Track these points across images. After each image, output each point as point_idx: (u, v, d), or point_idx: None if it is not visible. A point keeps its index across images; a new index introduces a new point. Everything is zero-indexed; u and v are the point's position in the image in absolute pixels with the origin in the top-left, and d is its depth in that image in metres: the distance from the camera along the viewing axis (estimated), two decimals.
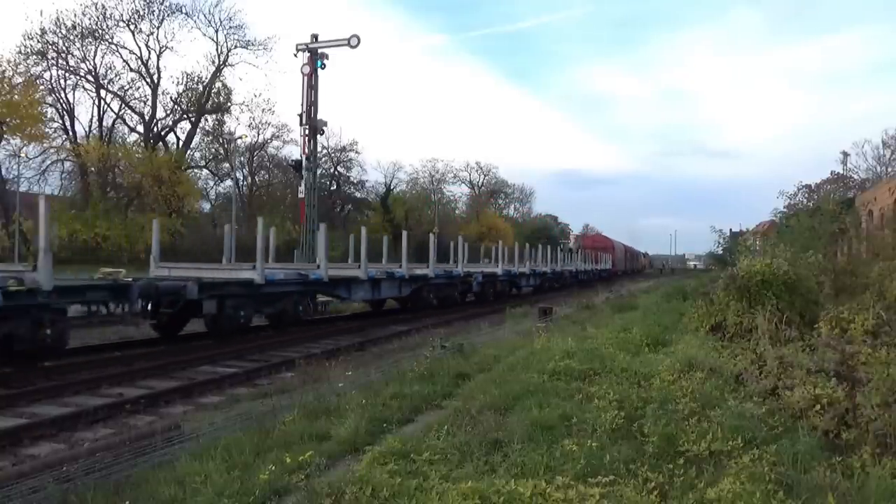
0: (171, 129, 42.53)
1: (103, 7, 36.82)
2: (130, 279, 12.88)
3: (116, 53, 38.57)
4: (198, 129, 43.01)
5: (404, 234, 23.29)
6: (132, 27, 38.44)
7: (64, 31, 35.88)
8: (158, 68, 39.83)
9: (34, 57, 35.23)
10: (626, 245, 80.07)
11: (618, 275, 60.41)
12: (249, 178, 50.95)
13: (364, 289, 19.04)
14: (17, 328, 10.28)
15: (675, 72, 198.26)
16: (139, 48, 39.06)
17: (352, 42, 25.51)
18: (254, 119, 45.94)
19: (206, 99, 41.52)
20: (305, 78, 25.56)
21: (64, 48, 36.32)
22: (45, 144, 35.43)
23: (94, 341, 13.93)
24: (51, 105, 36.30)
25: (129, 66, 39.12)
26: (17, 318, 10.29)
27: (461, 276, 24.81)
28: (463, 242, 26.68)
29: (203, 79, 41.18)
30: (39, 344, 10.68)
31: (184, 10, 39.92)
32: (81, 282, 12.45)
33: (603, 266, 54.74)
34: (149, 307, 13.11)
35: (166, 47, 39.68)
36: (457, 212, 70.16)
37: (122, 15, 37.77)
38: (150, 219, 34.90)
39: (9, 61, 32.28)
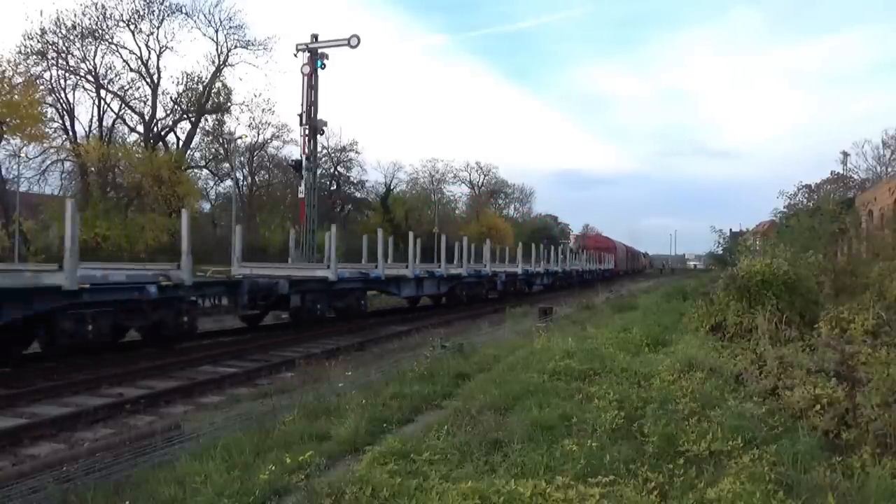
0: (171, 129, 42.51)
1: (103, 7, 36.79)
2: (241, 277, 15.49)
3: (116, 53, 38.54)
4: (198, 129, 42.98)
5: (442, 238, 25.33)
6: (132, 27, 38.41)
7: (64, 31, 35.86)
8: (158, 68, 39.82)
9: (34, 57, 35.21)
10: (627, 245, 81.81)
11: (619, 274, 62.44)
12: (249, 178, 50.95)
13: (410, 286, 21.55)
14: (166, 316, 12.65)
15: (675, 72, 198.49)
16: (139, 48, 39.04)
17: (352, 42, 25.50)
18: (254, 119, 45.93)
19: (206, 99, 41.49)
20: (305, 78, 25.54)
21: (64, 48, 36.31)
22: (45, 144, 35.41)
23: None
24: (51, 105, 36.27)
25: (129, 66, 39.10)
26: (166, 308, 12.63)
27: (489, 275, 27.59)
28: (490, 245, 29.85)
29: (203, 79, 41.17)
30: (179, 329, 13.02)
31: (184, 10, 39.83)
32: (209, 279, 15.04)
33: (606, 266, 57.11)
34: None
35: (166, 47, 39.65)
36: (457, 212, 70.15)
37: (122, 15, 37.74)
38: (150, 219, 35.01)
39: (9, 61, 32.25)
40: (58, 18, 35.56)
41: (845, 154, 52.42)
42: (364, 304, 19.59)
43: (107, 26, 37.38)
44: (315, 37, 25.92)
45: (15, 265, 15.22)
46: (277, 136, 48.26)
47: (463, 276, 25.01)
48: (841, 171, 51.13)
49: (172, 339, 13.25)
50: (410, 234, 22.62)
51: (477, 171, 76.68)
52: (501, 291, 28.73)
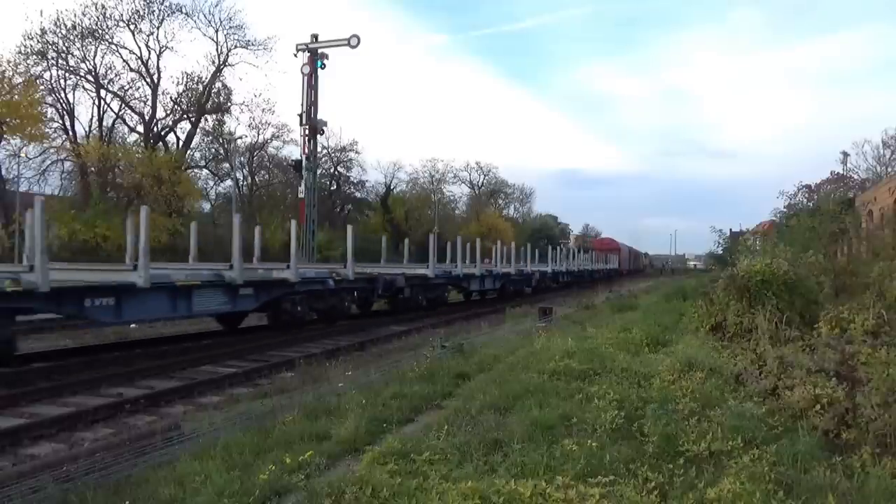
0: (171, 129, 42.46)
1: (103, 7, 36.75)
2: (377, 274, 19.05)
3: (116, 53, 38.49)
4: (198, 129, 42.92)
5: (498, 242, 29.80)
6: (132, 27, 38.36)
7: (64, 31, 35.82)
8: (158, 68, 39.78)
9: (34, 57, 35.17)
10: (630, 247, 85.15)
11: (623, 273, 66.48)
12: (249, 178, 50.91)
13: (476, 282, 26.34)
14: (337, 302, 17.54)
15: (675, 71, 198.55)
16: (139, 48, 38.99)
17: (352, 42, 25.51)
18: (254, 119, 45.85)
19: (206, 99, 41.46)
20: (305, 78, 25.55)
21: (64, 48, 36.27)
22: (45, 144, 35.36)
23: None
24: (51, 105, 36.22)
25: (129, 66, 39.06)
26: (336, 296, 17.37)
27: (530, 273, 32.64)
28: (526, 246, 34.91)
29: (203, 79, 41.13)
30: (342, 312, 17.96)
31: (184, 10, 39.75)
32: (362, 274, 18.47)
33: (612, 266, 61.35)
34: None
35: (166, 47, 39.60)
36: (457, 212, 70.15)
37: (122, 15, 37.70)
38: (150, 219, 34.85)
39: (9, 61, 32.21)
40: (58, 18, 35.54)
41: (845, 154, 52.40)
42: (446, 296, 24.44)
43: (107, 26, 37.36)
44: (315, 37, 25.93)
45: (253, 264, 18.29)
46: (277, 136, 48.21)
47: (512, 274, 29.93)
48: (841, 171, 51.10)
49: (337, 319, 17.72)
50: (458, 238, 26.53)
51: (477, 171, 76.71)
52: (535, 287, 33.76)
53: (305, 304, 16.17)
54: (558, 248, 43.36)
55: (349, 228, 19.63)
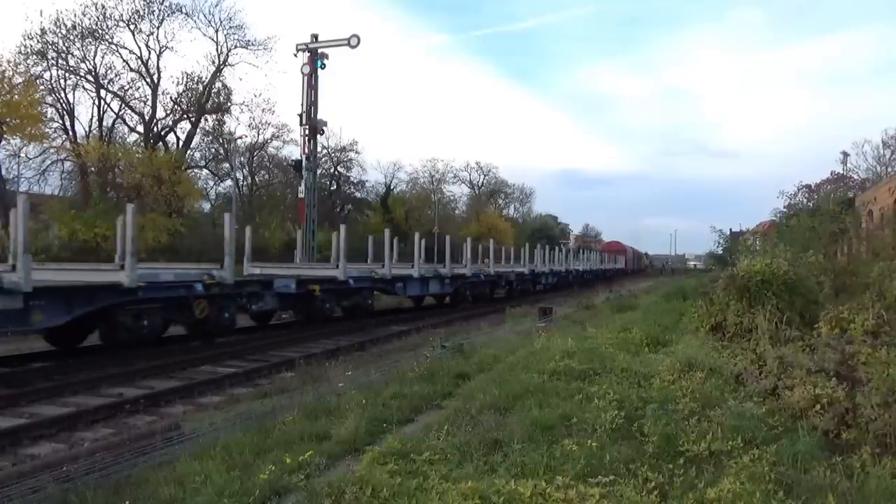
0: (171, 129, 42.41)
1: (103, 7, 36.69)
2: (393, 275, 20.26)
3: (116, 53, 38.43)
4: (198, 129, 42.87)
5: (526, 245, 33.13)
6: (132, 27, 38.31)
7: (64, 31, 35.78)
8: (158, 68, 39.72)
9: (34, 57, 35.13)
10: (634, 248, 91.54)
11: (628, 273, 72.81)
12: (249, 178, 50.87)
13: (525, 280, 30.98)
14: (360, 300, 19.32)
15: (676, 71, 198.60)
16: (139, 48, 38.94)
17: (352, 42, 25.50)
18: (254, 119, 45.82)
19: (206, 99, 41.43)
20: (305, 78, 25.54)
21: (64, 48, 36.22)
22: (45, 144, 35.32)
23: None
24: (51, 105, 36.16)
25: (129, 66, 39.01)
26: (359, 294, 19.27)
27: (546, 273, 36.06)
28: (545, 247, 37.81)
29: (203, 79, 41.08)
30: (365, 309, 19.70)
31: (184, 10, 39.67)
32: (393, 274, 20.11)
33: (619, 266, 68.06)
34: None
35: (166, 47, 39.54)
36: (457, 212, 70.13)
37: (122, 15, 37.64)
38: (149, 219, 34.93)
39: (9, 61, 32.17)
40: (58, 18, 35.50)
41: (845, 154, 52.34)
42: (370, 304, 21.08)
43: (107, 26, 37.32)
44: (315, 37, 25.92)
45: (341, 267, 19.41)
46: (277, 136, 48.18)
47: (525, 273, 31.85)
48: (841, 171, 51.05)
49: (359, 316, 18.97)
50: (492, 243, 29.58)
51: (477, 171, 76.68)
52: (551, 286, 36.86)
53: (329, 301, 17.55)
54: (579, 248, 49.71)
55: (341, 228, 19.26)
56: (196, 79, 40.95)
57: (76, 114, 38.03)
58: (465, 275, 25.13)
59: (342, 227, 19.40)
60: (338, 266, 18.49)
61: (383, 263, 20.51)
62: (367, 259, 24.90)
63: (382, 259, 21.05)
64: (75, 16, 35.95)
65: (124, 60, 38.71)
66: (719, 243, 32.55)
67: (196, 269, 14.66)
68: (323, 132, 28.06)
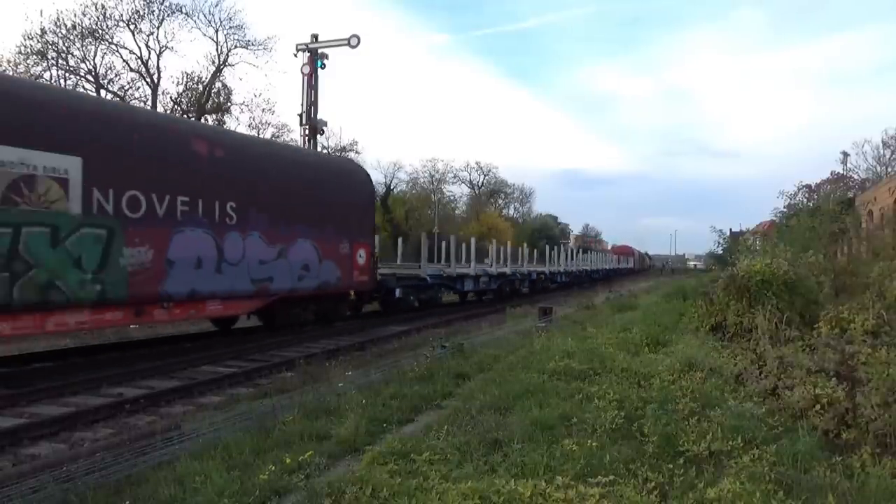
0: None
1: (103, 7, 36.69)
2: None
3: (116, 53, 38.44)
4: None
5: (562, 245, 38.11)
6: (132, 27, 38.28)
7: (64, 31, 35.73)
8: (158, 68, 39.71)
9: (34, 57, 35.09)
10: (639, 250, 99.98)
11: (636, 272, 79.57)
12: None
13: (545, 279, 35.17)
14: (435, 293, 22.96)
15: (678, 71, 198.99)
16: (139, 48, 38.91)
17: (352, 42, 25.46)
18: (254, 119, 45.79)
19: (206, 99, 41.43)
20: (305, 78, 25.50)
21: (64, 48, 36.19)
22: None
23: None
24: None
25: (129, 66, 38.98)
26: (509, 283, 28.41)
27: (557, 272, 38.36)
28: (560, 249, 41.14)
29: (203, 79, 41.08)
30: (439, 301, 23.75)
31: (184, 10, 39.67)
32: (456, 273, 23.86)
33: (628, 266, 75.02)
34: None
35: (166, 47, 39.52)
36: (457, 212, 70.15)
37: (122, 15, 37.62)
38: None
39: (9, 61, 32.23)
40: (58, 18, 35.45)
41: (845, 154, 52.43)
42: (509, 290, 29.47)
43: (107, 26, 37.29)
44: (315, 37, 25.89)
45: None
46: (277, 136, 48.20)
47: (546, 273, 35.64)
48: (841, 171, 51.11)
49: (432, 306, 22.64)
50: (521, 244, 33.38)
51: (477, 171, 76.80)
52: (564, 284, 39.23)
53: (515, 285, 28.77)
54: (579, 250, 54.68)
55: (423, 235, 21.77)
56: (196, 79, 40.96)
57: None
58: (506, 273, 29.03)
59: (423, 235, 23.85)
60: (420, 266, 22.72)
61: (420, 264, 23.53)
62: (396, 259, 27.89)
63: (418, 259, 24.01)
64: (75, 16, 35.93)
65: (124, 60, 38.71)
66: (719, 243, 32.60)
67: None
68: (323, 132, 27.99)
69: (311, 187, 15.16)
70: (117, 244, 10.44)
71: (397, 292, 19.86)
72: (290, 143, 28.22)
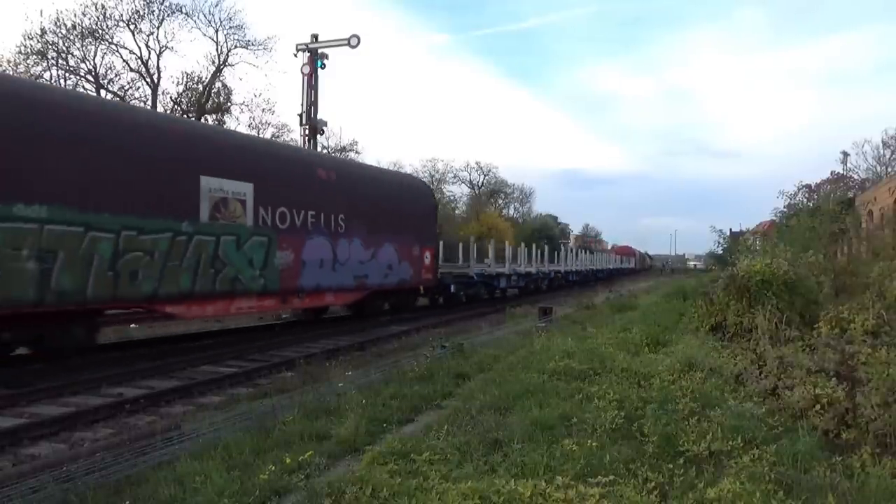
0: None
1: (103, 7, 36.67)
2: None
3: (116, 53, 38.44)
4: None
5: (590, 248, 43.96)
6: (132, 27, 38.27)
7: (64, 31, 35.71)
8: (158, 68, 39.70)
9: (34, 57, 35.07)
10: (640, 251, 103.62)
11: (637, 271, 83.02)
12: None
13: (559, 277, 38.43)
14: (479, 289, 25.95)
15: (679, 71, 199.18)
16: (139, 48, 38.89)
17: (352, 42, 25.46)
18: (254, 119, 45.80)
19: (207, 99, 41.42)
20: (305, 78, 25.49)
21: (64, 48, 36.17)
22: None
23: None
24: None
25: (129, 66, 38.97)
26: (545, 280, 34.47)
27: (570, 271, 42.34)
28: (570, 250, 47.55)
29: (203, 79, 41.08)
30: (482, 297, 26.56)
31: (184, 10, 39.66)
32: (495, 272, 27.51)
33: (629, 266, 78.15)
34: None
35: (166, 47, 39.51)
36: (457, 212, 70.11)
37: (122, 15, 37.60)
38: None
39: (9, 61, 32.23)
40: (58, 18, 35.44)
41: (845, 154, 52.44)
42: (533, 287, 32.88)
43: (107, 26, 37.28)
44: (315, 37, 25.89)
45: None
46: (277, 136, 48.22)
47: (566, 270, 40.29)
48: (841, 171, 51.11)
49: (477, 301, 25.61)
50: (534, 243, 35.25)
51: (477, 170, 76.72)
52: (578, 282, 42.78)
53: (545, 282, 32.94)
54: (584, 250, 57.86)
55: (471, 239, 22.73)
56: (196, 79, 40.96)
57: None
58: (531, 272, 32.67)
59: (472, 238, 27.89)
60: (469, 265, 25.98)
61: (469, 264, 26.85)
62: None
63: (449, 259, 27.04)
64: (75, 16, 35.92)
65: (124, 60, 38.70)
66: (719, 243, 32.61)
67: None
68: (323, 132, 28.00)
69: (392, 201, 18.76)
70: (273, 248, 13.84)
71: (452, 288, 23.40)
72: (382, 167, 29.88)
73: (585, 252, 53.83)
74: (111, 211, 10.50)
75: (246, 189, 13.06)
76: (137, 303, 11.69)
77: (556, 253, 42.52)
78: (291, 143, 40.11)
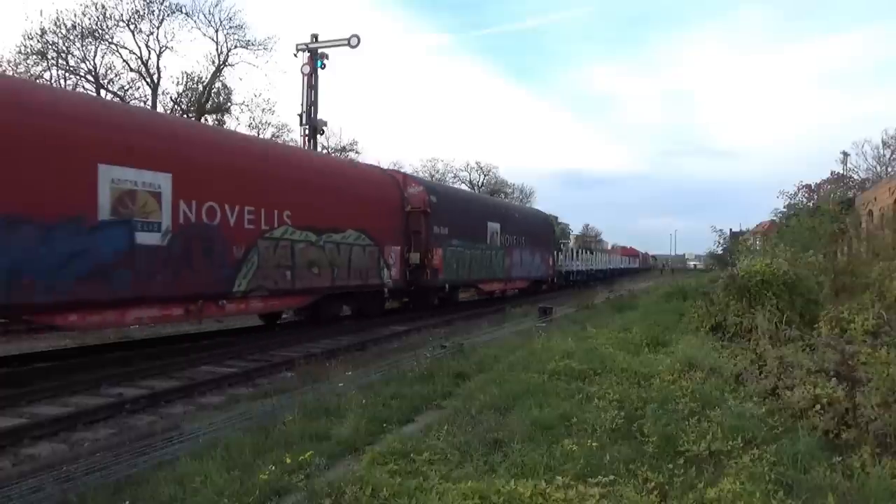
0: None
1: (103, 7, 36.66)
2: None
3: (116, 53, 38.42)
4: None
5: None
6: (132, 27, 38.22)
7: (64, 31, 35.67)
8: (158, 68, 39.65)
9: (34, 57, 35.04)
10: (642, 251, 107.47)
11: (639, 270, 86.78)
12: None
13: (590, 274, 46.06)
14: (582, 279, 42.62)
15: (679, 72, 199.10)
16: (139, 48, 38.84)
17: (352, 42, 25.46)
18: (254, 119, 45.77)
19: (207, 99, 41.41)
20: (305, 78, 25.49)
21: (64, 48, 36.13)
22: None
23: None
24: None
25: (129, 66, 38.93)
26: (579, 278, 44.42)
27: (598, 269, 49.81)
28: (594, 250, 55.50)
29: (203, 79, 41.06)
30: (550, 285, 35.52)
31: (184, 10, 39.65)
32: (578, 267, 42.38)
33: (633, 266, 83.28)
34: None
35: (166, 47, 39.47)
36: None
37: (122, 15, 37.56)
38: None
39: (9, 61, 32.23)
40: (58, 18, 35.39)
41: (845, 154, 52.42)
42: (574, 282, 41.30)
43: (107, 26, 37.25)
44: (315, 37, 25.89)
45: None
46: (277, 136, 48.19)
47: (595, 268, 48.56)
48: (841, 171, 51.08)
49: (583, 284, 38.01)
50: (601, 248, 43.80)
51: (477, 170, 76.67)
52: (601, 278, 49.01)
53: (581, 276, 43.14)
54: (606, 252, 67.22)
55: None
56: (196, 79, 40.92)
57: None
58: (583, 269, 43.65)
59: (573, 238, 36.97)
60: (571, 262, 35.90)
61: (571, 260, 39.19)
62: None
63: None
64: (75, 16, 35.88)
65: (124, 60, 38.67)
66: (719, 243, 32.62)
67: None
68: (323, 132, 28.00)
69: (533, 226, 30.99)
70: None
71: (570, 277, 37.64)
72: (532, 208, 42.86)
73: (600, 253, 61.09)
74: None
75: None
76: None
77: (593, 254, 50.32)
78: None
